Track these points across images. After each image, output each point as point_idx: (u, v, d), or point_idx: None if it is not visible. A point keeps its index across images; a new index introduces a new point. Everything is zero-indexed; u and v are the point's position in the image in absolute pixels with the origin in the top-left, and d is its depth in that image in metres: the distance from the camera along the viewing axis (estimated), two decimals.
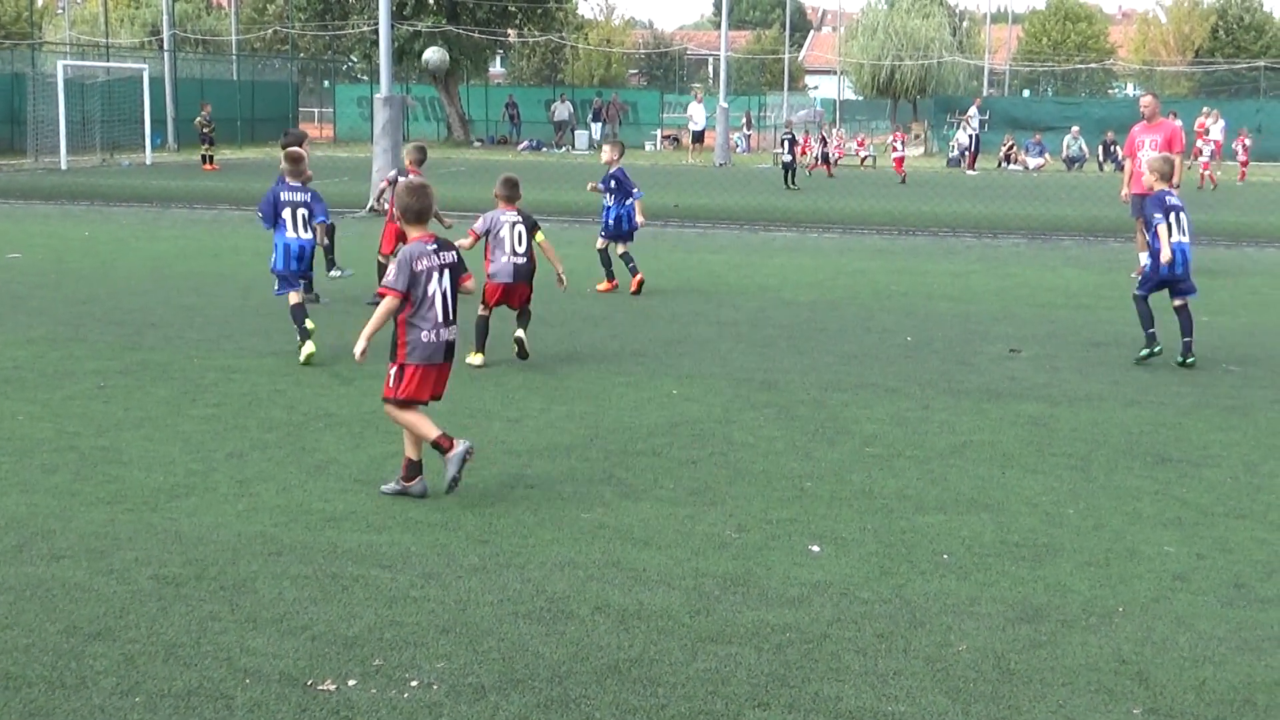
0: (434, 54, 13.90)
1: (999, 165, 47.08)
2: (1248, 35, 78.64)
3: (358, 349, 7.88)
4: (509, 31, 64.09)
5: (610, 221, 16.25)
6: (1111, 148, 47.90)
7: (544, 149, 56.69)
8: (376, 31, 34.69)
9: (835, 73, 78.61)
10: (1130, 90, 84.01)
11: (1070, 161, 47.88)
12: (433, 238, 7.88)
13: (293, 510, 7.44)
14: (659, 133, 62.23)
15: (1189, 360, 11.83)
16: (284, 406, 9.86)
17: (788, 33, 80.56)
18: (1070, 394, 10.84)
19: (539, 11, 61.07)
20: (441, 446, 7.64)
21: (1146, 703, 5.20)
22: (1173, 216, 12.01)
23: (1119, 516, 7.59)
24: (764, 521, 7.37)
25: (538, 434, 9.24)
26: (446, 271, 7.79)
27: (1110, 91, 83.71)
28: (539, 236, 11.87)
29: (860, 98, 78.12)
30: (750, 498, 7.83)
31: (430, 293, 7.71)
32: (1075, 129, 49.42)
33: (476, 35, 58.38)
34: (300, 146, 14.79)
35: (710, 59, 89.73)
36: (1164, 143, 19.16)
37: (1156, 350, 12.06)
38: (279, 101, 60.10)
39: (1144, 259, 19.66)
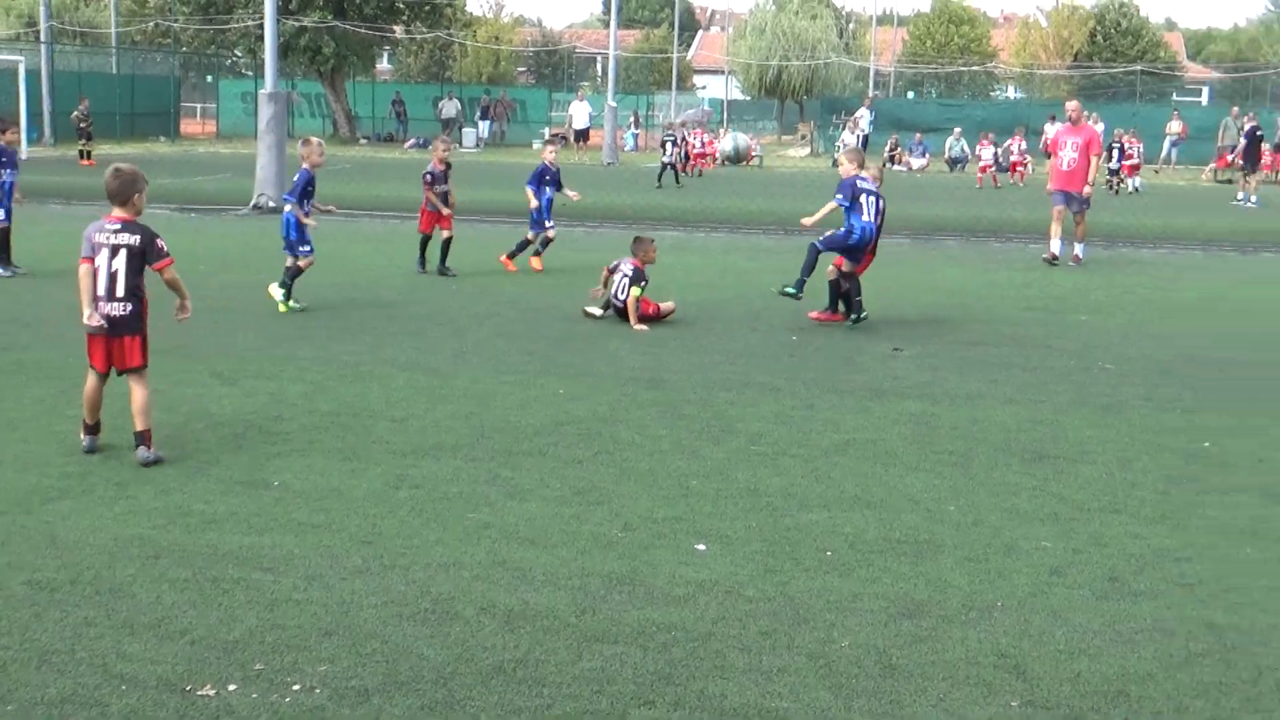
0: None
1: (883, 165, 47.56)
2: (1125, 40, 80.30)
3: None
4: (396, 28, 63.56)
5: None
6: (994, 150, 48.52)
7: (431, 146, 56.24)
8: (262, 26, 34.26)
9: (723, 73, 79.04)
10: (1011, 93, 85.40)
11: (953, 162, 48.59)
12: (123, 219, 8.35)
13: (171, 512, 7.32)
14: (547, 130, 62.08)
15: (861, 317, 13.88)
16: (163, 407, 9.68)
17: (676, 32, 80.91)
18: (951, 392, 11.00)
19: (427, 8, 60.64)
20: (85, 425, 8.50)
21: (1024, 695, 5.30)
22: (863, 199, 14.03)
23: (998, 513, 7.72)
24: (650, 520, 7.39)
25: (422, 434, 9.18)
26: (121, 251, 8.21)
27: (992, 94, 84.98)
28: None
29: (748, 98, 78.57)
30: (636, 496, 7.85)
31: (98, 266, 8.22)
32: (958, 130, 50.18)
33: (363, 31, 57.82)
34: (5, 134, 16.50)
35: (599, 58, 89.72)
36: (1084, 144, 20.19)
37: (789, 291, 14.23)
38: (160, 96, 59.09)
39: (1054, 245, 20.48)
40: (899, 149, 50.86)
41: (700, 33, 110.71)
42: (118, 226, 8.33)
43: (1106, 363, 12.41)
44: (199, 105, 73.52)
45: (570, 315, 14.35)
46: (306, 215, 14.33)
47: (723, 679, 5.36)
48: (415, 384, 10.79)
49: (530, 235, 18.29)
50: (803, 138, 62.27)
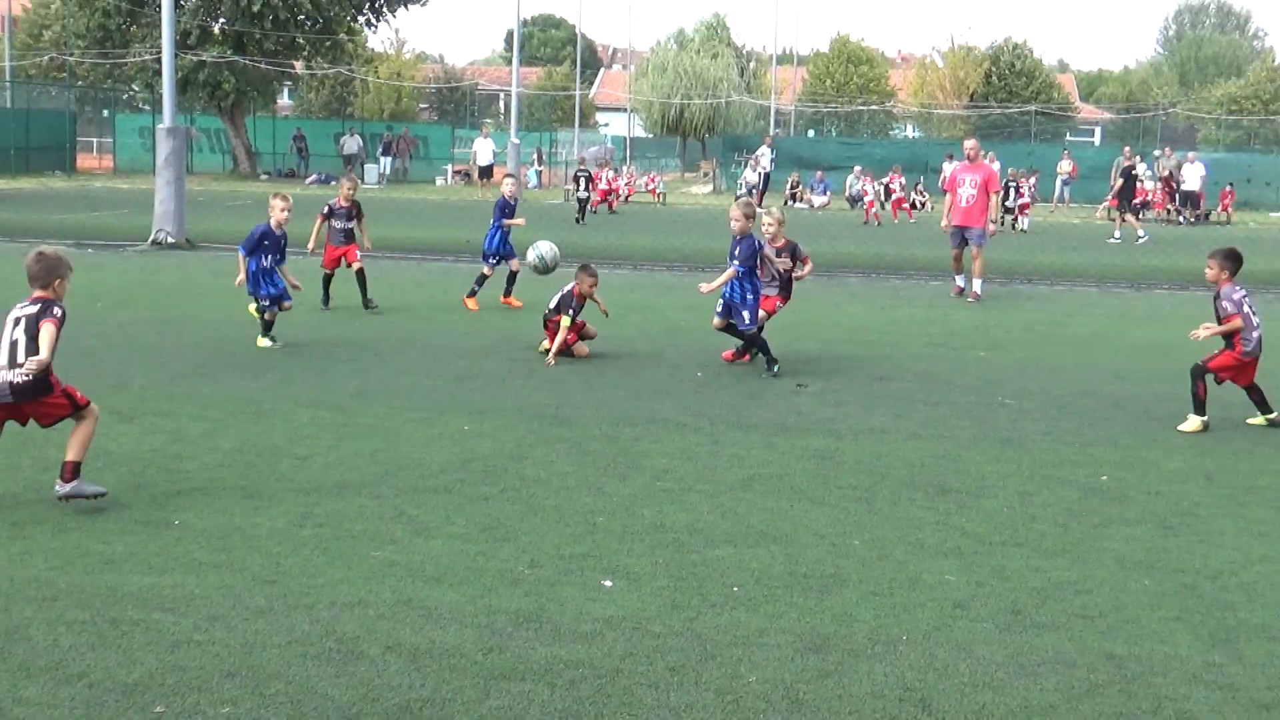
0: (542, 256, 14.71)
1: (785, 203, 48.01)
2: (1019, 81, 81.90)
3: None
4: (297, 63, 63.26)
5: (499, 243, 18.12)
6: (890, 188, 49.21)
7: (333, 182, 55.90)
8: (159, 60, 33.87)
9: (626, 110, 79.43)
10: (910, 132, 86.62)
11: (853, 200, 49.11)
12: (34, 299, 8.17)
13: (69, 553, 7.18)
14: (450, 168, 62.02)
15: (774, 370, 13.53)
16: (60, 446, 9.50)
17: (579, 70, 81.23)
18: (855, 427, 11.09)
19: (328, 43, 60.41)
20: None
21: None
22: (761, 265, 14.02)
23: (902, 546, 7.78)
24: (556, 557, 7.37)
25: (326, 471, 9.09)
26: (21, 321, 8.06)
27: (891, 132, 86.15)
28: None
29: (650, 135, 79.00)
30: (543, 533, 7.82)
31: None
32: (857, 168, 50.75)
33: (264, 66, 57.44)
34: None
35: (502, 94, 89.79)
36: (982, 182, 20.67)
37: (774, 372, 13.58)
38: (56, 130, 58.22)
39: (960, 281, 20.97)
40: (800, 187, 51.35)
41: (602, 70, 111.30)
42: (26, 302, 8.17)
43: (1006, 398, 12.59)
44: (96, 140, 72.48)
45: (473, 352, 14.30)
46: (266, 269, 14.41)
47: (630, 716, 5.35)
48: (319, 421, 10.69)
49: (486, 270, 18.06)
50: (705, 175, 62.73)
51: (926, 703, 5.58)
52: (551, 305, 14.13)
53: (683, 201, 51.60)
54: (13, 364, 8.03)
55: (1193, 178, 46.74)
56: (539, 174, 61.36)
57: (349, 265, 17.54)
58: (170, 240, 26.15)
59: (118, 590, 6.60)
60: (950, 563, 7.50)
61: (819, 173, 52.26)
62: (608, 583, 6.96)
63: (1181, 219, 46.01)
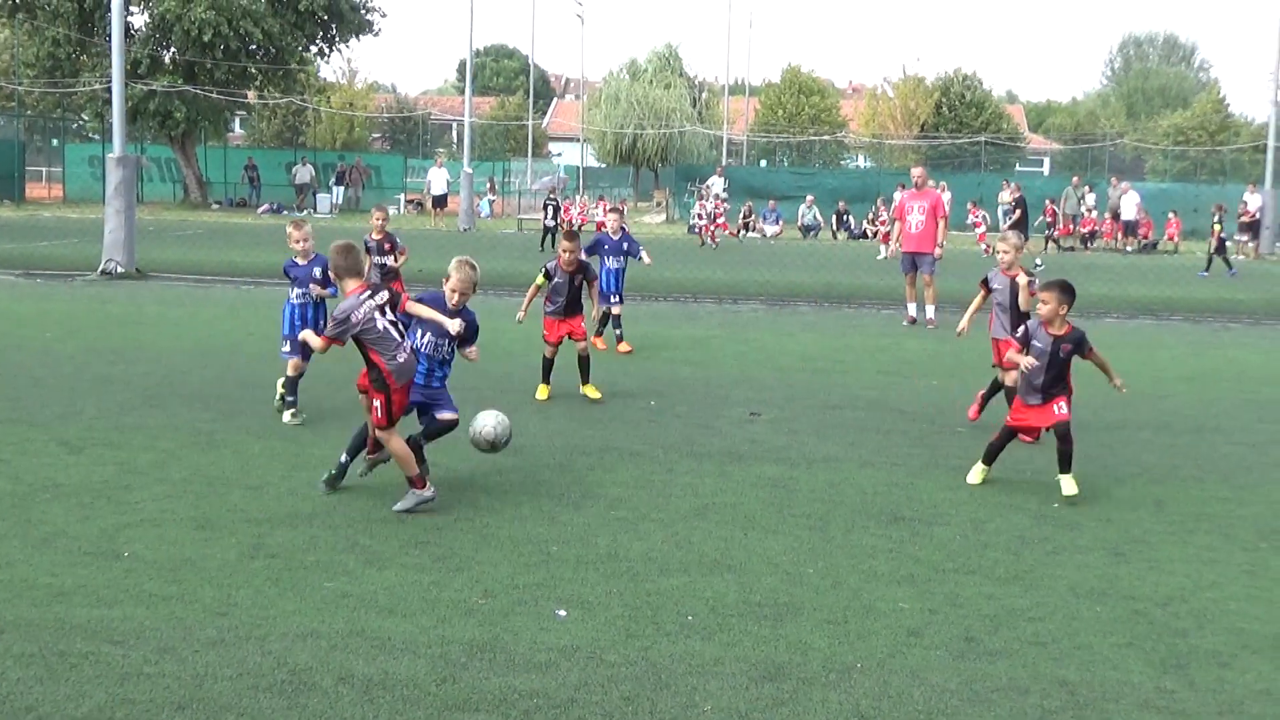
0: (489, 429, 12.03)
1: (738, 233, 48.19)
2: (969, 111, 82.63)
3: None
4: (249, 93, 63.06)
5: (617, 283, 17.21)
6: (845, 216, 49.63)
7: (285, 212, 55.79)
8: (109, 89, 33.70)
9: (579, 140, 79.59)
10: (861, 161, 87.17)
11: (805, 229, 49.37)
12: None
13: (17, 585, 7.09)
14: (403, 197, 61.93)
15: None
16: (8, 477, 9.42)
17: (531, 100, 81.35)
18: (808, 456, 11.12)
19: (279, 73, 60.27)
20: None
21: None
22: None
23: (856, 574, 7.80)
24: (510, 587, 7.34)
25: (278, 502, 9.04)
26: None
27: (842, 162, 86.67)
28: None
29: (603, 165, 79.17)
30: (497, 563, 7.80)
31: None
32: (810, 198, 51.04)
33: (215, 96, 57.23)
34: None
35: (455, 124, 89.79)
36: (930, 208, 20.87)
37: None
38: (4, 160, 57.76)
39: (912, 309, 21.12)
40: (753, 216, 51.57)
41: (555, 100, 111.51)
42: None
43: (958, 425, 12.65)
44: (45, 169, 72.01)
45: None
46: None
47: None
48: (271, 451, 10.63)
49: (609, 309, 17.02)
50: (658, 204, 62.86)
51: None
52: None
53: (636, 231, 51.64)
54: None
55: (1129, 207, 47.25)
56: (491, 204, 61.37)
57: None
58: (120, 270, 25.97)
59: (66, 622, 6.53)
60: (904, 590, 7.52)
61: (771, 203, 52.48)
62: (562, 612, 6.94)
63: (1128, 249, 46.46)
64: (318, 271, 12.27)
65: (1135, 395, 14.13)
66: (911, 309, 21.57)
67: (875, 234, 45.54)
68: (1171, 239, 49.64)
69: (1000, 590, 7.60)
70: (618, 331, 17.23)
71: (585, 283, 13.75)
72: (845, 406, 13.56)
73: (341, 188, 60.38)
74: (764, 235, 49.92)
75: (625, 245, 17.12)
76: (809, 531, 8.74)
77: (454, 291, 9.89)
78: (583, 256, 13.90)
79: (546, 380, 13.55)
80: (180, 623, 6.59)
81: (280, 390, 12.26)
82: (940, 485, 10.18)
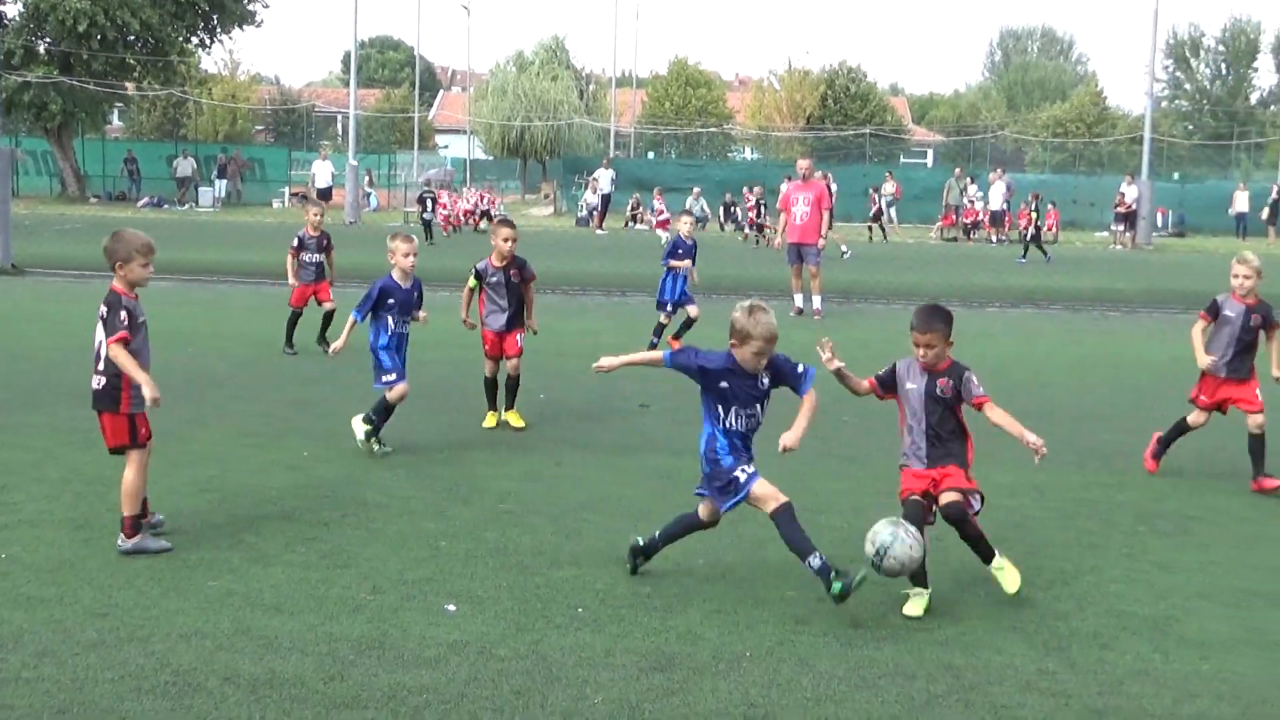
0: None
1: (625, 225, 48.22)
2: (854, 104, 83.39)
3: None
4: (127, 84, 61.91)
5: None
6: (731, 209, 49.88)
7: (166, 206, 54.89)
8: None
9: (465, 132, 79.18)
10: (748, 154, 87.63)
11: (694, 221, 49.55)
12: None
13: None
14: (287, 190, 61.17)
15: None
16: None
17: (417, 92, 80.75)
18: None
19: (159, 64, 59.21)
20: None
21: None
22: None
23: (745, 565, 7.85)
24: (399, 582, 7.29)
25: (160, 501, 8.86)
26: (98, 322, 8.01)
27: (729, 154, 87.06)
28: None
29: (490, 158, 78.82)
30: (385, 559, 7.73)
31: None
32: (697, 190, 51.20)
33: (92, 87, 56.11)
34: None
35: (339, 116, 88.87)
36: (814, 199, 21.00)
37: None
38: None
39: (799, 300, 21.25)
40: (641, 208, 51.65)
41: (441, 93, 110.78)
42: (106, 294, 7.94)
43: (847, 415, 12.76)
44: None
45: (312, 378, 14.09)
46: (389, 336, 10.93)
47: None
48: (151, 449, 10.41)
49: (663, 318, 16.73)
50: (546, 197, 62.76)
51: (770, 718, 5.62)
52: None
53: (524, 224, 51.49)
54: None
55: (995, 197, 47.86)
56: (368, 195, 60.81)
57: (320, 304, 16.13)
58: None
59: None
60: (792, 579, 7.57)
61: (658, 194, 52.60)
62: (451, 607, 6.90)
63: (993, 239, 47.09)
64: (417, 295, 11.09)
65: (1017, 384, 14.37)
66: (798, 300, 21.74)
67: (749, 228, 45.47)
68: (1051, 229, 50.47)
69: (886, 578, 7.66)
70: (673, 333, 16.82)
71: (523, 282, 11.99)
72: None
73: (224, 181, 59.47)
74: (651, 227, 50.01)
75: (695, 251, 16.85)
76: None
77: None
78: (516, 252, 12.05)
79: (493, 406, 12.05)
80: (59, 625, 6.45)
81: (365, 427, 10.59)
82: (829, 475, 10.28)
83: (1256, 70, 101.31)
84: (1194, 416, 10.80)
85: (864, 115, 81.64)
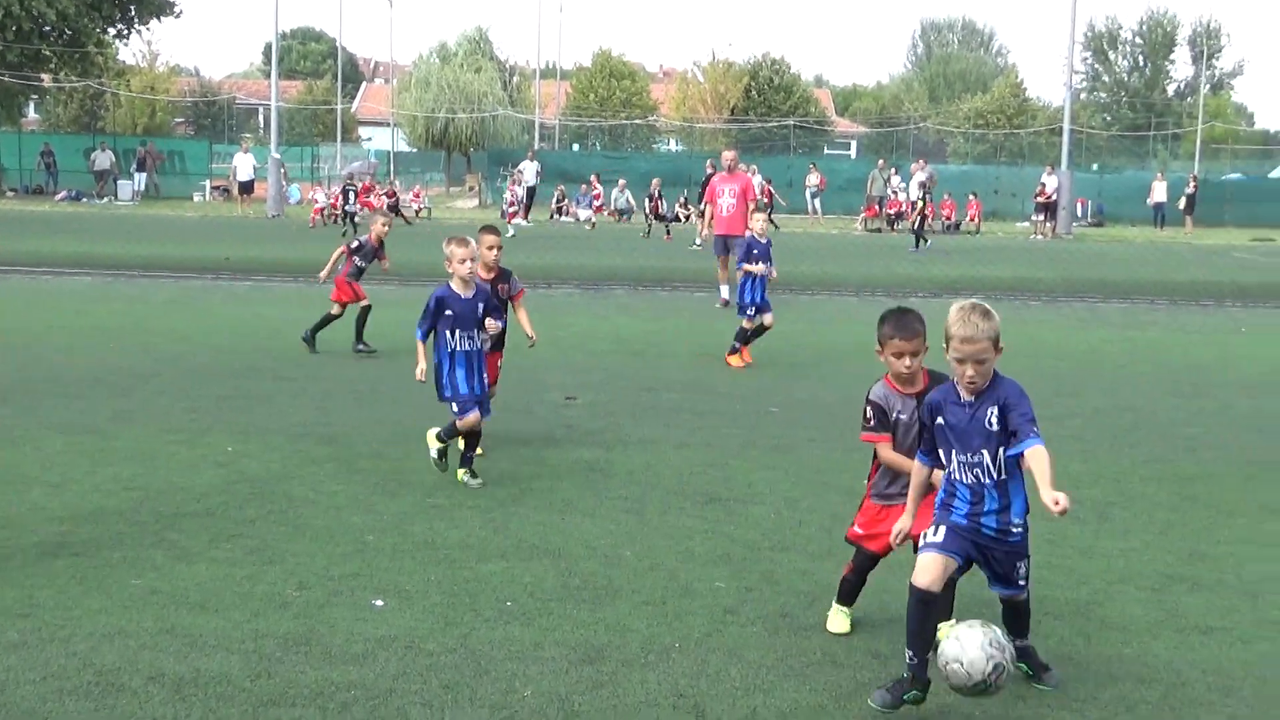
0: None
1: (551, 217, 48.12)
2: (778, 95, 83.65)
3: None
4: (43, 76, 60.94)
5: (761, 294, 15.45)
6: (657, 200, 49.80)
7: (84, 199, 54.12)
8: None
9: (389, 124, 78.67)
10: (673, 145, 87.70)
11: (619, 213, 49.51)
12: None
13: None
14: (208, 183, 60.51)
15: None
16: None
17: (340, 83, 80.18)
18: (625, 438, 11.17)
19: (76, 56, 58.36)
20: None
21: None
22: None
23: (673, 555, 7.86)
24: (326, 578, 7.24)
25: (82, 499, 8.77)
26: None
27: (654, 146, 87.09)
28: None
29: (414, 149, 78.35)
30: (312, 554, 7.68)
31: None
32: (622, 182, 51.19)
33: (7, 79, 55.19)
34: None
35: (261, 108, 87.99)
36: (740, 191, 21.11)
37: None
38: None
39: (725, 291, 21.25)
40: (566, 200, 51.58)
41: (364, 84, 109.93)
42: None
43: (773, 406, 12.83)
44: None
45: (236, 372, 13.97)
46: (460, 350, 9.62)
47: None
48: (74, 446, 10.30)
49: (746, 323, 15.43)
50: (470, 189, 62.51)
51: (699, 708, 5.64)
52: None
53: (449, 216, 51.31)
54: None
55: (915, 187, 48.17)
56: (297, 189, 60.27)
57: (362, 300, 15.92)
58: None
59: None
60: (720, 570, 7.60)
61: (584, 186, 52.55)
62: (379, 602, 6.87)
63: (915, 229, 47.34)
64: (481, 307, 9.71)
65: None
66: (724, 291, 21.80)
67: (646, 219, 45.08)
68: (973, 220, 50.99)
69: (815, 566, 7.73)
70: (739, 343, 15.50)
71: (510, 299, 10.88)
72: (661, 389, 13.66)
73: (142, 174, 58.70)
74: (577, 219, 49.96)
75: (770, 251, 15.56)
76: (626, 514, 8.78)
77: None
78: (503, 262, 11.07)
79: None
80: None
81: (439, 447, 9.63)
82: (756, 464, 10.32)
83: (1173, 62, 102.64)
84: None
85: (788, 107, 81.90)
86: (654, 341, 17.40)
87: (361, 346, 15.60)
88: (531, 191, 49.04)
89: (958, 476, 5.80)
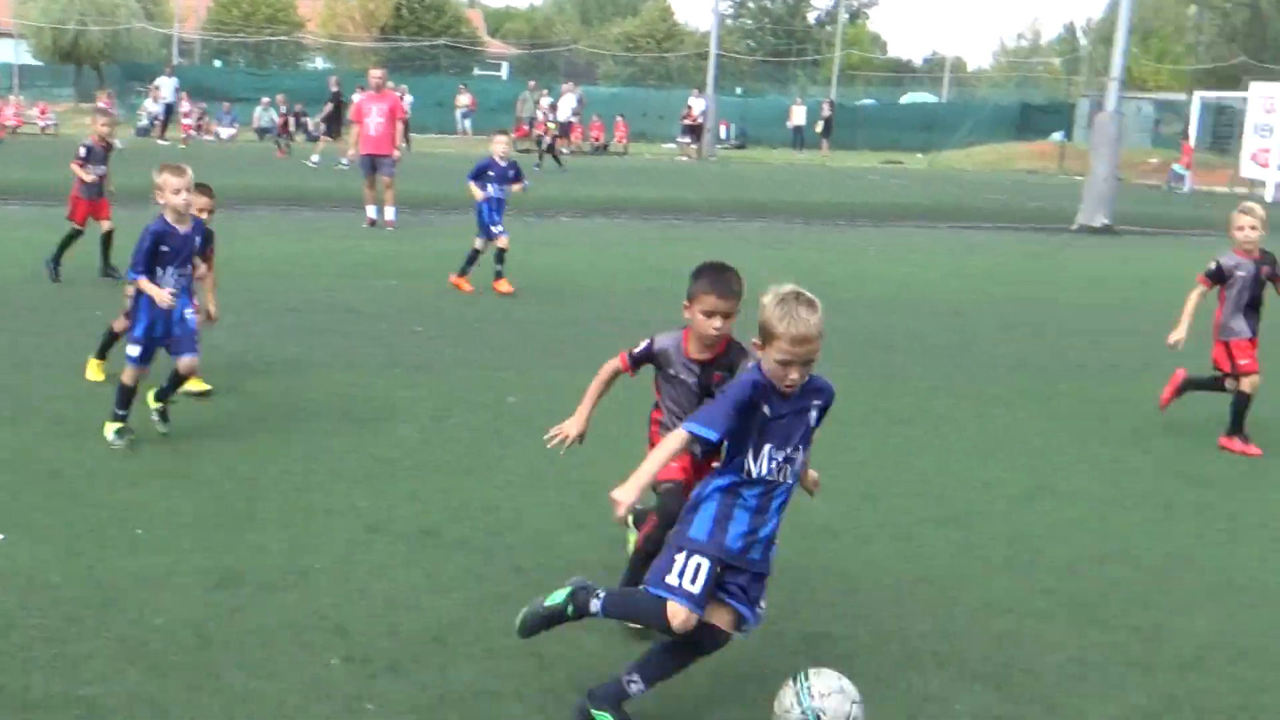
0: None
1: (186, 139, 46.21)
2: (429, 15, 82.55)
3: None
4: None
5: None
6: (301, 119, 48.61)
7: None
8: None
9: (11, 36, 74.01)
10: (319, 63, 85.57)
11: (261, 132, 48.03)
12: None
13: None
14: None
15: None
16: None
17: None
18: (267, 360, 10.90)
19: None
20: None
21: (343, 652, 5.35)
22: None
23: (314, 476, 7.73)
24: None
25: None
26: None
27: (300, 64, 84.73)
28: None
29: (41, 63, 74.01)
30: None
31: None
32: (266, 100, 49.65)
33: None
34: None
35: None
36: (388, 110, 20.86)
37: None
38: None
39: (371, 211, 20.75)
40: (206, 118, 49.70)
41: None
42: None
43: (417, 325, 12.74)
44: None
45: None
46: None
47: (25, 672, 5.04)
48: None
49: (478, 244, 15.07)
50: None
51: (341, 627, 5.58)
52: None
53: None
54: None
55: (564, 109, 48.54)
56: None
57: (101, 223, 14.61)
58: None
59: None
60: (363, 489, 7.52)
61: (226, 105, 50.74)
62: (0, 536, 6.51)
63: (565, 150, 47.73)
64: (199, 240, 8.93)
65: (591, 291, 14.69)
66: (370, 211, 21.47)
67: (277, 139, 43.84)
68: (621, 141, 51.67)
69: (459, 482, 7.73)
70: (498, 268, 15.06)
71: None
72: (304, 309, 13.38)
73: None
74: (218, 138, 48.27)
75: (511, 173, 15.19)
76: (267, 435, 8.58)
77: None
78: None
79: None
80: None
81: (158, 407, 8.57)
82: (399, 384, 10.23)
83: None
84: (1246, 383, 9.53)
85: (439, 26, 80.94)
86: (298, 262, 17.01)
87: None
88: (170, 109, 47.07)
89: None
